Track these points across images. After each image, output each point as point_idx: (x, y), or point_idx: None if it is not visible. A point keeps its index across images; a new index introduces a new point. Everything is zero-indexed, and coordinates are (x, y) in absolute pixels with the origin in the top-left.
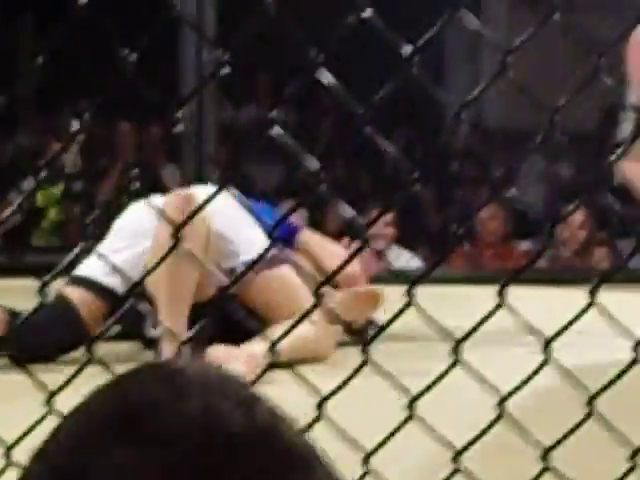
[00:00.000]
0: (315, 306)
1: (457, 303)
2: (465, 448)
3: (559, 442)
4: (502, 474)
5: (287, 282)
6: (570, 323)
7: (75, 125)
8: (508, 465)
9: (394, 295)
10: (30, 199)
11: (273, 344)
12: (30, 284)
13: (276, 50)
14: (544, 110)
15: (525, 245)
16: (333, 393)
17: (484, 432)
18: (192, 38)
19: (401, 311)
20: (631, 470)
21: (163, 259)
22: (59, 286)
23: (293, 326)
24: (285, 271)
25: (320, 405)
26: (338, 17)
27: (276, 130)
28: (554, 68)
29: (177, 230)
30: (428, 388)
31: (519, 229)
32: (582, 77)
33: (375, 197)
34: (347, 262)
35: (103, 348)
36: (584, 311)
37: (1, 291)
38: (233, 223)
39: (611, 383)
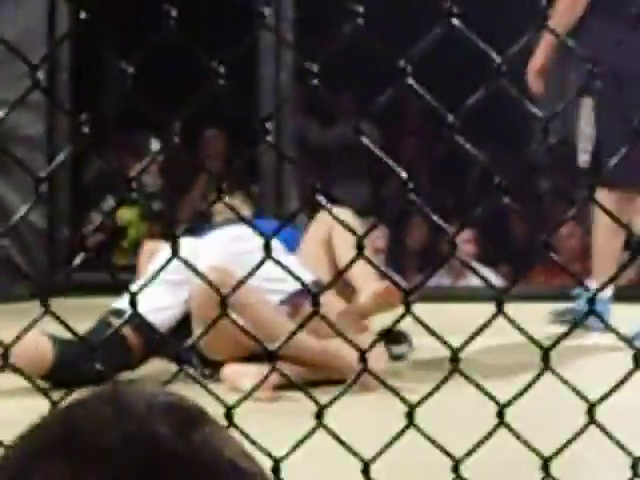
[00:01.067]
0: (314, 314)
1: (540, 320)
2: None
3: None
4: None
5: (327, 310)
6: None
7: (155, 144)
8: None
9: (471, 312)
10: (112, 218)
11: (272, 354)
12: (108, 303)
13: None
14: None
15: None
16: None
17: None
18: (271, 55)
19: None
20: None
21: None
22: (105, 314)
23: (293, 333)
24: (324, 299)
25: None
26: (423, 27)
27: (364, 139)
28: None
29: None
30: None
31: None
32: None
33: (458, 214)
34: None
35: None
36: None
37: (82, 309)
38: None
39: None
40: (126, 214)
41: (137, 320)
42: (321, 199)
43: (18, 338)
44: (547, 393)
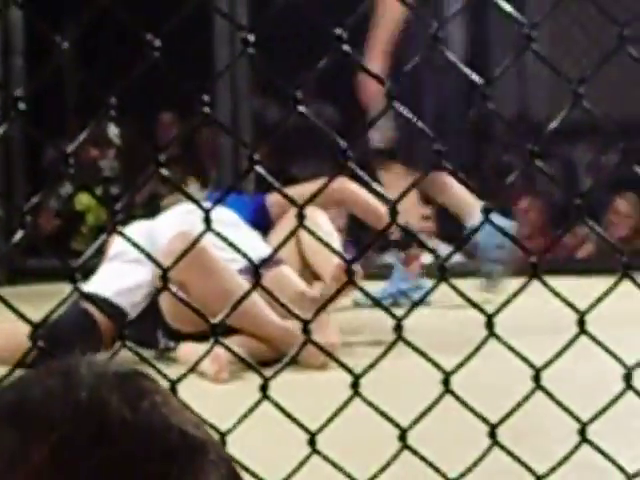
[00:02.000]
0: (254, 287)
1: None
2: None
3: None
4: None
5: (286, 281)
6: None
7: (112, 129)
8: None
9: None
10: (69, 204)
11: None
12: (69, 289)
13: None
14: (568, 83)
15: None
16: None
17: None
18: (226, 36)
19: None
20: None
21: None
22: (77, 297)
23: (234, 307)
24: (285, 271)
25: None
26: None
27: (302, 109)
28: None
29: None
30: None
31: (560, 220)
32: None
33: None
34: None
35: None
36: (616, 285)
37: (41, 296)
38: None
39: None
40: (84, 199)
41: (106, 302)
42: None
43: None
44: (494, 361)
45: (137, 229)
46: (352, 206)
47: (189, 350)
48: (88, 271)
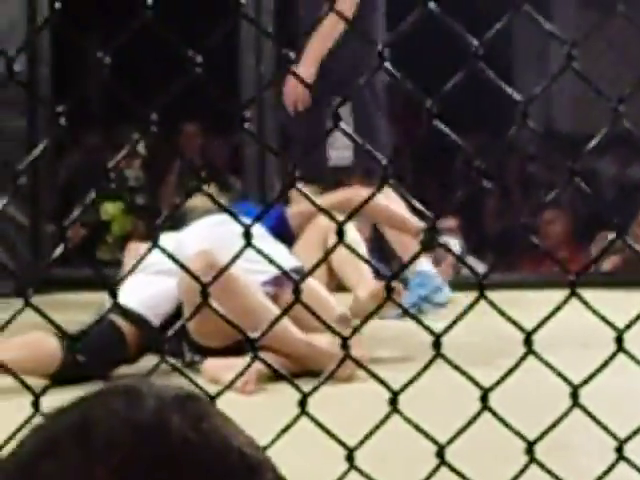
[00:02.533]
0: (295, 301)
1: (523, 307)
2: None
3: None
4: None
5: (314, 295)
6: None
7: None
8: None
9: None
10: (95, 213)
11: (252, 343)
12: (94, 298)
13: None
14: (608, 101)
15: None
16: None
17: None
18: (252, 45)
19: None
20: None
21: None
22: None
23: (275, 322)
24: (313, 284)
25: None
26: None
27: (343, 126)
28: (624, 68)
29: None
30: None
31: (586, 232)
32: None
33: (440, 202)
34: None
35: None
36: None
37: (67, 305)
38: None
39: None
40: (110, 209)
41: (133, 314)
42: (301, 187)
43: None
44: (531, 377)
45: (165, 242)
46: (375, 215)
47: (215, 365)
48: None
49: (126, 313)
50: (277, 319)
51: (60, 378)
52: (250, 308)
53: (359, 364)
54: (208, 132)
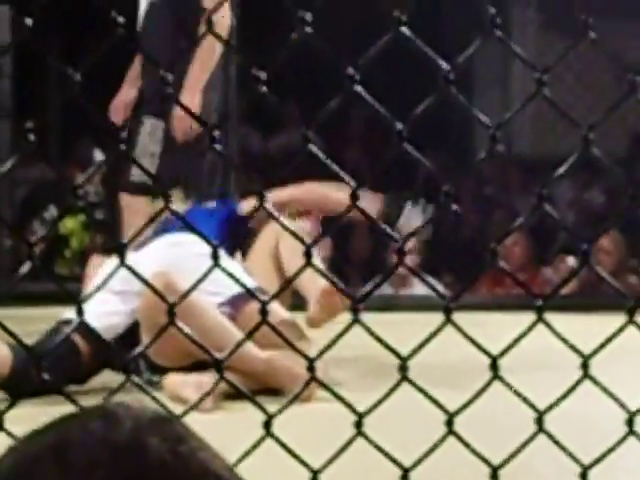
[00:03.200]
0: (260, 324)
1: (487, 329)
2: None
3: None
4: None
5: (276, 314)
6: (608, 341)
7: (98, 154)
8: None
9: (417, 321)
10: (54, 228)
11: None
12: (52, 312)
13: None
14: (577, 130)
15: (570, 261)
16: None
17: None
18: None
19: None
20: None
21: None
22: (59, 321)
23: (240, 343)
24: (272, 305)
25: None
26: (371, 35)
27: (312, 147)
28: (586, 93)
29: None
30: (468, 403)
31: (543, 255)
32: (614, 98)
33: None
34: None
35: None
36: (621, 330)
37: (23, 319)
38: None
39: None
40: (69, 223)
41: (86, 328)
42: (270, 208)
43: None
44: (496, 402)
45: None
46: (318, 204)
47: (175, 380)
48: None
49: (84, 329)
50: (245, 339)
51: (8, 387)
52: (210, 329)
53: (325, 386)
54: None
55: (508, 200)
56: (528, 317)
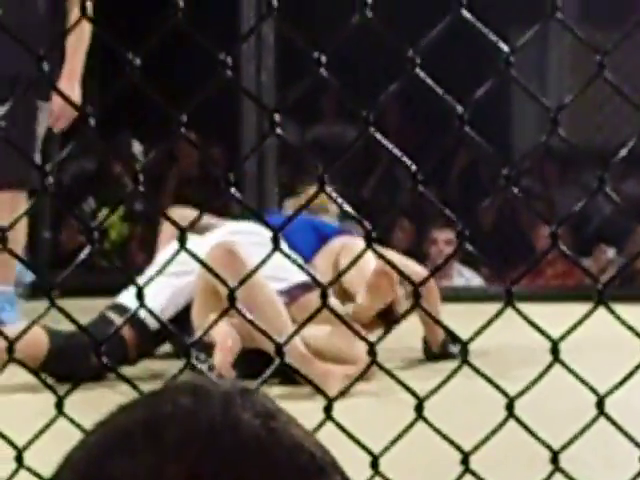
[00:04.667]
0: (321, 308)
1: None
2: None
3: None
4: None
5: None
6: None
7: (136, 146)
8: None
9: (457, 311)
10: (93, 220)
11: (279, 348)
12: (91, 304)
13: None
14: (615, 120)
15: (610, 252)
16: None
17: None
18: (252, 55)
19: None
20: None
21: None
22: (103, 309)
23: (300, 327)
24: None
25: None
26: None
27: (373, 131)
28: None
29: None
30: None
31: (580, 247)
32: None
33: (439, 217)
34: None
35: (156, 365)
36: None
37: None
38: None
39: None
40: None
41: (133, 316)
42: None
43: (24, 332)
44: (556, 386)
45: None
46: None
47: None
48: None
49: (126, 314)
50: (305, 323)
51: (44, 370)
52: (265, 308)
53: (385, 370)
54: (206, 140)
55: (544, 191)
56: (566, 308)
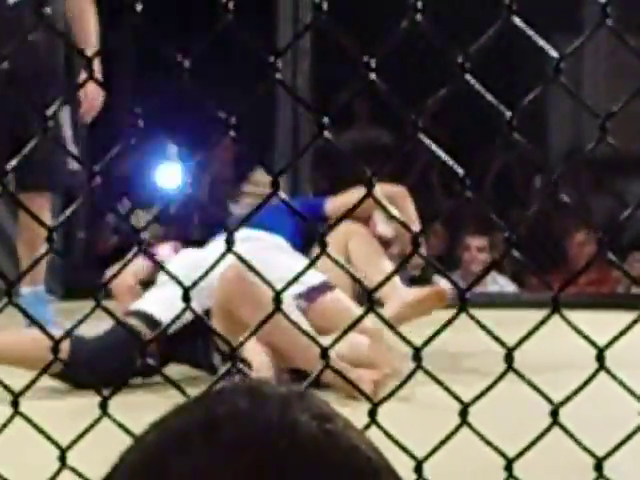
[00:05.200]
0: (369, 310)
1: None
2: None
3: None
4: None
5: (341, 305)
6: None
7: (172, 149)
8: None
9: (489, 317)
10: (127, 221)
11: (324, 352)
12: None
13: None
14: None
15: None
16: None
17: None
18: (288, 60)
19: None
20: None
21: None
22: (127, 312)
23: (346, 331)
24: (337, 295)
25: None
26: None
27: (422, 137)
28: None
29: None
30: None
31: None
32: None
33: (472, 223)
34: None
35: (174, 371)
36: None
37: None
38: (272, 261)
39: None
40: (142, 216)
41: (151, 320)
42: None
43: (67, 333)
44: (601, 394)
45: (185, 256)
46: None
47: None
48: None
49: (147, 320)
50: (355, 322)
51: (63, 379)
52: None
53: (433, 377)
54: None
55: (579, 198)
56: (599, 316)
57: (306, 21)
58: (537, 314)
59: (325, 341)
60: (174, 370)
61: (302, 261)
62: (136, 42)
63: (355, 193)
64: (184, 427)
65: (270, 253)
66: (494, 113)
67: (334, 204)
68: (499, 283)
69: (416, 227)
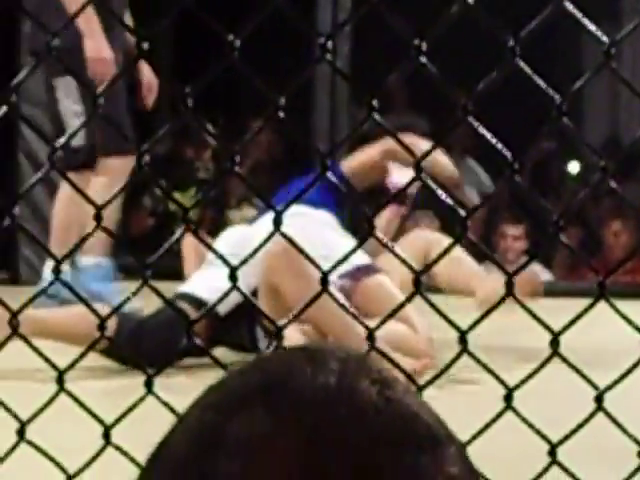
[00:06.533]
0: (414, 294)
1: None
2: None
3: None
4: None
5: (385, 289)
6: None
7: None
8: None
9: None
10: (163, 204)
11: (370, 334)
12: (160, 287)
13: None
14: None
15: None
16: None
17: None
18: None
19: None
20: None
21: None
22: (175, 295)
23: (390, 315)
24: (382, 279)
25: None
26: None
27: (471, 119)
28: None
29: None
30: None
31: None
32: None
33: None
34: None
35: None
36: None
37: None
38: (319, 238)
39: None
40: (179, 199)
41: (199, 302)
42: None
43: (116, 310)
44: None
45: (232, 234)
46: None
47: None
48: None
49: (195, 303)
50: (404, 302)
51: (109, 355)
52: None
53: (478, 361)
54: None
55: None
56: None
57: (346, 5)
58: (572, 302)
59: (369, 324)
60: (219, 353)
61: (348, 238)
62: (174, 26)
63: (369, 150)
64: (242, 391)
65: (316, 229)
66: (533, 100)
67: (350, 164)
68: (534, 271)
69: (455, 174)
